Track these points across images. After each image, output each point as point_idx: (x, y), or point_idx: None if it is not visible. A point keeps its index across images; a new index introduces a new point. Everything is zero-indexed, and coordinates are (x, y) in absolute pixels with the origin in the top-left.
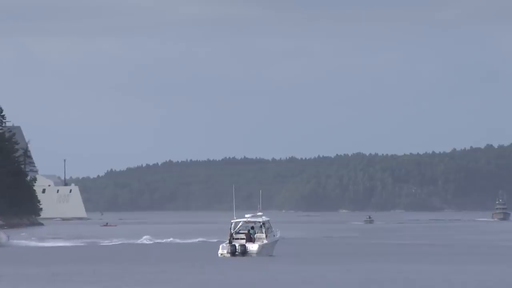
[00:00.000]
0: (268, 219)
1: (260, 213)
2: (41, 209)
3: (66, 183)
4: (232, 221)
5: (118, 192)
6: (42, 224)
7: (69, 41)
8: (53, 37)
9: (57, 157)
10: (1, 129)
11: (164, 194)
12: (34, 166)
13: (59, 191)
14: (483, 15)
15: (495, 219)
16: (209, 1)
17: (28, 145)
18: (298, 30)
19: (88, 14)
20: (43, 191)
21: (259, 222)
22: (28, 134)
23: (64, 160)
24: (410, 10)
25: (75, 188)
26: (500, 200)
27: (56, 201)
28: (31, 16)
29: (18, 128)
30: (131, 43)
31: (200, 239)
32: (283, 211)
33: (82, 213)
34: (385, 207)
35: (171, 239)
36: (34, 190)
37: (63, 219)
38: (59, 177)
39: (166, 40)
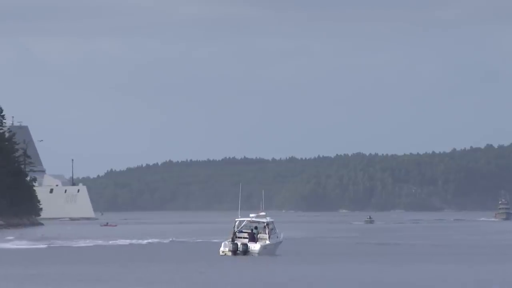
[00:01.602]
0: (272, 220)
1: (263, 213)
2: (41, 209)
3: (74, 183)
4: (236, 219)
5: (118, 192)
6: (42, 224)
7: (69, 41)
8: (53, 37)
9: (57, 157)
10: (1, 129)
11: (164, 194)
12: (42, 166)
13: (67, 191)
14: (483, 15)
15: (498, 219)
16: (209, 1)
17: (36, 145)
18: (298, 30)
19: (88, 14)
20: (51, 191)
21: (263, 222)
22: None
23: (72, 160)
24: (410, 10)
25: (83, 188)
26: (503, 200)
27: (64, 201)
28: (31, 16)
29: (26, 128)
30: (131, 43)
31: (206, 239)
32: (283, 211)
33: (90, 213)
34: (385, 207)
35: (171, 238)
36: (34, 190)
37: (71, 219)
38: (63, 177)
39: (166, 40)
